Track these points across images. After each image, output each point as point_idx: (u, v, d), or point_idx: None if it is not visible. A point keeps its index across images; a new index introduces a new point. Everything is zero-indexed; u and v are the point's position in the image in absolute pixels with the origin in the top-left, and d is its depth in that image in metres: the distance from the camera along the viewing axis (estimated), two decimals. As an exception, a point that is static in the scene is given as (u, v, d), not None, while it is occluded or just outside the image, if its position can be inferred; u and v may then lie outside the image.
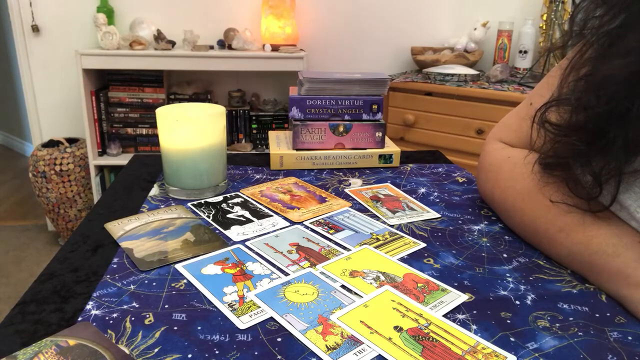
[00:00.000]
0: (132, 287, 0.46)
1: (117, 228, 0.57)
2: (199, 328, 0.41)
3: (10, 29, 2.16)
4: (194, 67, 1.98)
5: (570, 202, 0.49)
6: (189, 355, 0.37)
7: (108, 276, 0.48)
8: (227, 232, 0.58)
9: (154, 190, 0.69)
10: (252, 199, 0.67)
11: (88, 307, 0.43)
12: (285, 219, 0.62)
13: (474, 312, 0.44)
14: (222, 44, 2.09)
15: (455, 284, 0.48)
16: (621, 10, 0.43)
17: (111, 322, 0.41)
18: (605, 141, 0.43)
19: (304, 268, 0.50)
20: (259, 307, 0.43)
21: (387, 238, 0.57)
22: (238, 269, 0.50)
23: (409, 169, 0.81)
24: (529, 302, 0.45)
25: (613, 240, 0.46)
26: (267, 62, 1.98)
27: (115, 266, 0.50)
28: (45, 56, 2.15)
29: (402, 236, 0.58)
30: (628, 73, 0.41)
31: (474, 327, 0.42)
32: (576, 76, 0.47)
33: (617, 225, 0.47)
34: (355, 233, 0.58)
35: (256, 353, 0.38)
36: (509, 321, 0.42)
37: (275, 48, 2.02)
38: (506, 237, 0.58)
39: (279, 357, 0.38)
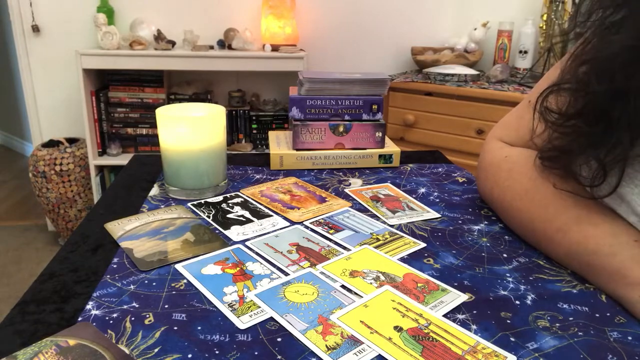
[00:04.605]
0: (132, 287, 0.46)
1: (117, 228, 0.57)
2: (199, 328, 0.41)
3: (10, 29, 2.16)
4: (194, 67, 1.98)
5: (573, 190, 0.48)
6: (189, 355, 0.37)
7: (108, 276, 0.48)
8: (227, 232, 0.58)
9: (154, 190, 0.69)
10: (252, 199, 0.67)
11: (88, 307, 0.43)
12: (285, 219, 0.62)
13: (474, 312, 0.44)
14: (222, 44, 2.09)
15: (455, 284, 0.48)
16: (622, 5, 0.43)
17: (111, 322, 0.41)
18: (608, 122, 0.42)
19: (304, 268, 0.50)
20: (259, 307, 0.43)
21: (387, 238, 0.57)
22: (238, 269, 0.50)
23: (409, 169, 0.81)
24: (529, 302, 0.45)
25: (610, 240, 0.46)
26: (267, 62, 1.98)
27: (115, 266, 0.50)
28: (45, 56, 2.15)
29: (402, 236, 0.58)
30: (624, 49, 0.40)
31: (474, 327, 0.42)
32: (577, 63, 0.47)
33: (614, 224, 0.47)
34: (355, 233, 0.58)
35: (256, 353, 0.38)
36: (509, 321, 0.42)
37: (275, 48, 2.02)
38: (506, 237, 0.58)
39: (279, 357, 0.38)
